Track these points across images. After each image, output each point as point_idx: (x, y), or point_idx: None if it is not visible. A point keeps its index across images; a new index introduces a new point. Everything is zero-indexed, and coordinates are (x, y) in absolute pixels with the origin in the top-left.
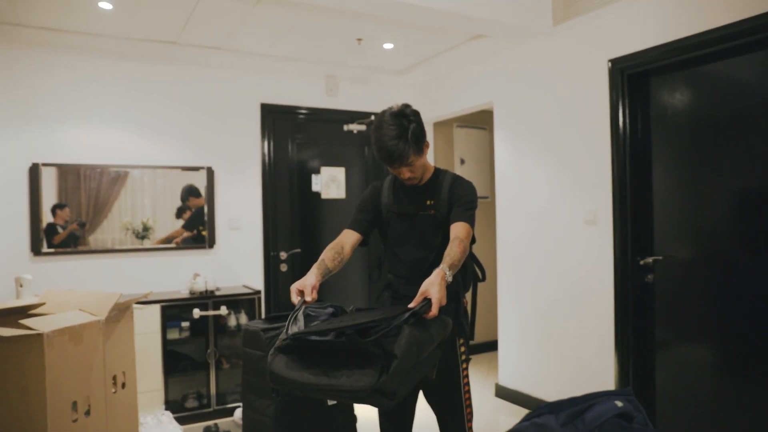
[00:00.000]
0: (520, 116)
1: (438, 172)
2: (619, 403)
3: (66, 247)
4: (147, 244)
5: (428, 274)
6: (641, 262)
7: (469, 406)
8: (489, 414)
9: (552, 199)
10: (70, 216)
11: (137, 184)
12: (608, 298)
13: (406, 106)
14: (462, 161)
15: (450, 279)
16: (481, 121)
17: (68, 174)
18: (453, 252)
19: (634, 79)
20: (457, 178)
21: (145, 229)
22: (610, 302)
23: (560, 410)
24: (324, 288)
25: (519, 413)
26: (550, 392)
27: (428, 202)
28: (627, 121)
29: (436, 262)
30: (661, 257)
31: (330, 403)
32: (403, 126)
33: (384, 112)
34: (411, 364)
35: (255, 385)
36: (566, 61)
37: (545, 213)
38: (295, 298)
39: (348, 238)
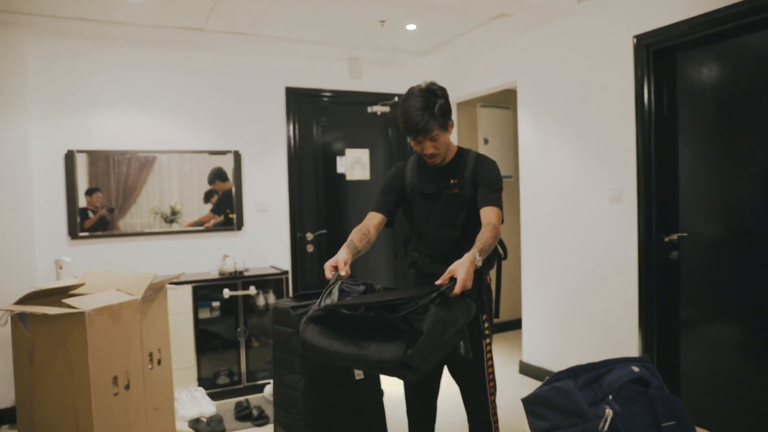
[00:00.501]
0: (544, 95)
1: (461, 151)
2: (636, 369)
3: (96, 231)
4: (175, 227)
5: (452, 252)
6: (666, 239)
7: (492, 380)
8: (512, 390)
9: (576, 178)
10: (101, 201)
11: (165, 168)
12: (632, 275)
13: (434, 83)
14: (486, 141)
15: (479, 264)
16: (505, 100)
17: (98, 160)
18: (485, 237)
19: (659, 55)
20: (481, 157)
21: (174, 213)
22: (634, 280)
23: (578, 375)
24: (352, 266)
25: None
26: None
27: (452, 181)
28: (652, 97)
29: (460, 241)
30: (686, 234)
31: (357, 377)
32: (430, 100)
33: (412, 87)
34: (436, 342)
35: (285, 361)
36: (590, 38)
37: (569, 191)
38: (329, 273)
39: (373, 220)
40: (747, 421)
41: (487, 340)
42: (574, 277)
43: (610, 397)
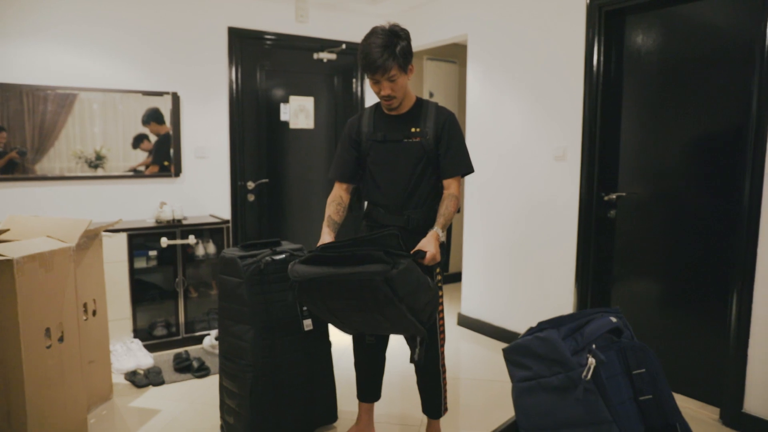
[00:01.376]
0: (494, 50)
1: (420, 101)
2: (613, 319)
3: (5, 174)
4: (100, 173)
5: (407, 202)
6: (605, 198)
7: (443, 332)
8: (451, 341)
9: (523, 135)
10: (7, 140)
11: (87, 108)
12: (572, 232)
13: (397, 25)
14: (431, 95)
15: (443, 238)
16: (452, 54)
17: (10, 96)
18: (448, 211)
19: (610, 16)
20: (442, 109)
21: (99, 157)
22: (573, 237)
23: (561, 325)
24: (306, 226)
25: (480, 340)
26: (511, 321)
27: (413, 129)
28: (601, 59)
29: (416, 190)
30: (624, 194)
31: (306, 328)
32: (392, 40)
33: (375, 27)
34: (413, 283)
35: (232, 311)
36: None
37: (516, 148)
38: None
39: (341, 190)
40: (671, 368)
41: (440, 293)
42: (516, 233)
43: (594, 346)
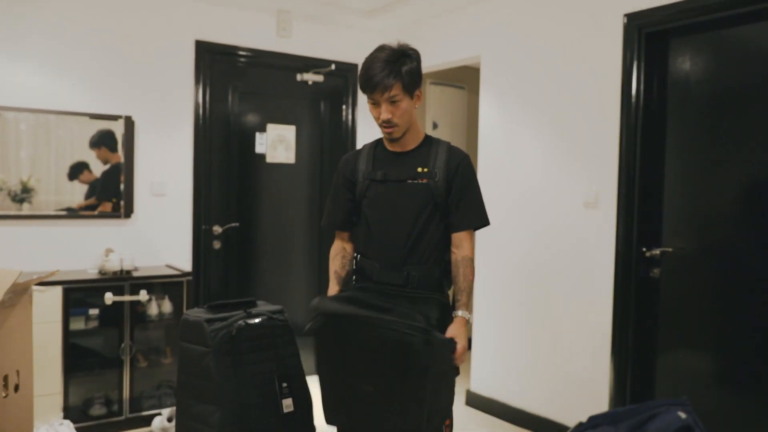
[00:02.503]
0: (512, 75)
1: (429, 139)
2: (683, 415)
3: None
4: (26, 209)
5: (408, 257)
6: (647, 254)
7: (449, 416)
8: (458, 426)
9: (546, 176)
10: None
11: (14, 128)
12: (607, 295)
13: (408, 45)
14: (435, 125)
15: (471, 322)
16: (460, 78)
17: None
18: (467, 283)
19: (652, 38)
20: (454, 149)
21: (25, 190)
22: (608, 300)
23: (618, 421)
24: (283, 283)
25: (494, 425)
26: (531, 401)
27: (420, 169)
28: (641, 88)
29: (418, 242)
30: (670, 249)
31: (286, 409)
32: (399, 58)
33: (383, 44)
34: (445, 365)
35: (195, 388)
36: (573, 11)
37: (537, 191)
38: None
39: (342, 240)
40: None
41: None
42: (537, 294)
43: None
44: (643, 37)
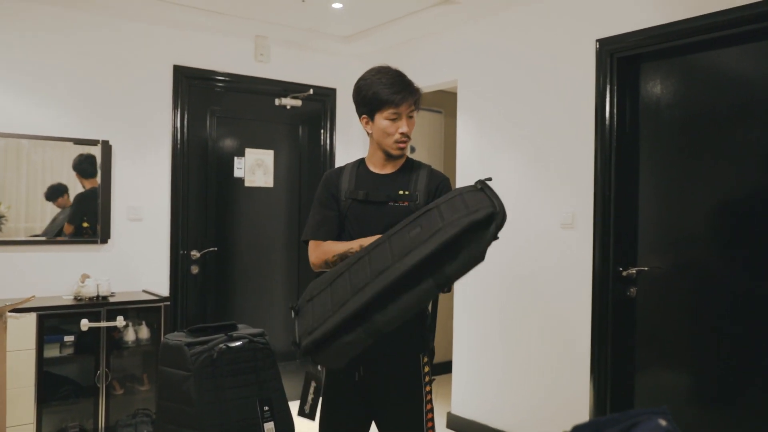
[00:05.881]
0: (489, 99)
1: (411, 162)
2: (663, 422)
3: None
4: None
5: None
6: (623, 273)
7: (432, 428)
8: None
9: (523, 197)
10: None
11: None
12: (585, 313)
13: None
14: (412, 149)
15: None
16: (437, 103)
17: None
18: None
19: (623, 63)
20: (436, 173)
21: None
22: (586, 318)
23: (601, 429)
24: (263, 306)
25: None
26: (512, 421)
27: (401, 192)
28: (614, 111)
29: None
30: (646, 268)
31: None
32: (407, 78)
33: (379, 66)
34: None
35: (176, 413)
36: (547, 37)
37: (515, 213)
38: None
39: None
40: None
41: (428, 388)
42: (516, 314)
43: None
44: (615, 62)
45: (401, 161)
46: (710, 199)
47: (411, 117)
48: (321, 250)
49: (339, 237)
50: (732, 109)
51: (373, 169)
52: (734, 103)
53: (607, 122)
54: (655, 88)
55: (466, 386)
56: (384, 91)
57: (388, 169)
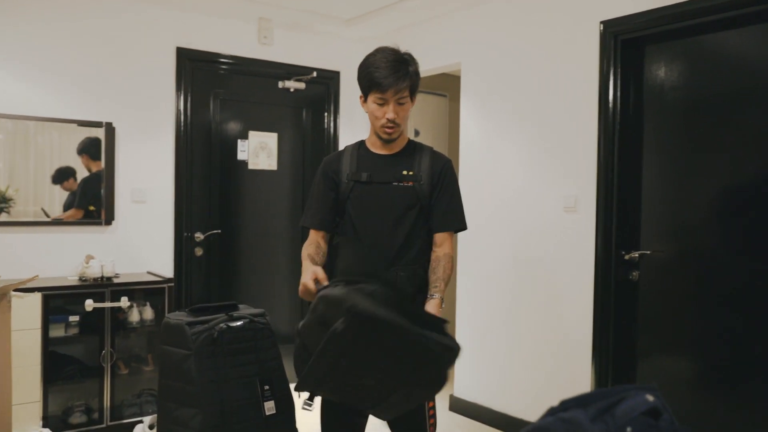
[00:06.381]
0: (492, 82)
1: (413, 143)
2: (650, 398)
3: None
4: (4, 218)
5: (396, 260)
6: (626, 257)
7: (433, 416)
8: (442, 431)
9: (526, 181)
10: None
11: None
12: (587, 296)
13: (407, 51)
14: (417, 132)
15: (443, 306)
16: (441, 86)
17: None
18: (446, 275)
19: (627, 46)
20: (437, 154)
21: (4, 200)
22: (588, 302)
23: (588, 404)
24: (266, 288)
25: (478, 429)
26: (513, 405)
27: (405, 172)
28: (618, 94)
29: (406, 246)
30: (648, 252)
31: (268, 411)
32: (405, 59)
33: (380, 47)
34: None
35: (176, 391)
36: (551, 19)
37: (518, 196)
38: (312, 285)
39: (318, 237)
40: None
41: None
42: (518, 297)
43: (629, 429)
44: (619, 44)
45: (403, 142)
46: (714, 183)
47: (401, 103)
48: (304, 252)
49: (336, 221)
50: (737, 93)
51: (374, 149)
52: (739, 86)
53: (611, 105)
54: (659, 71)
55: (468, 370)
56: (374, 74)
57: (390, 150)
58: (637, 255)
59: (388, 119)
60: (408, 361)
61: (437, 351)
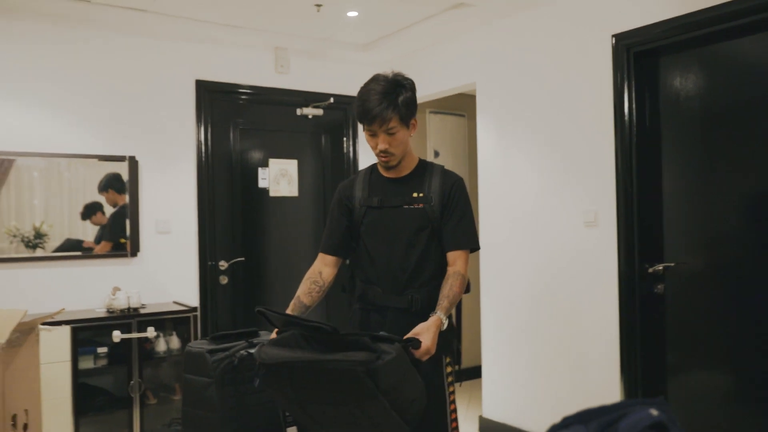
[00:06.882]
0: (508, 100)
1: (424, 163)
2: (654, 412)
3: None
4: (39, 253)
5: (410, 282)
6: (650, 270)
7: (455, 420)
8: None
9: (545, 198)
10: None
11: (26, 177)
12: (612, 313)
13: (401, 74)
14: (436, 153)
15: (445, 325)
16: (459, 106)
17: None
18: (452, 293)
19: (641, 58)
20: (448, 173)
21: (39, 235)
22: (614, 318)
23: (590, 420)
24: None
25: None
26: (542, 424)
27: (415, 195)
28: (633, 106)
29: (419, 268)
30: (672, 264)
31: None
32: (395, 89)
33: (377, 74)
34: (399, 376)
35: (199, 419)
36: (562, 35)
37: (537, 213)
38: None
39: (323, 263)
40: None
41: (451, 389)
42: (542, 315)
43: None
44: (632, 57)
45: (412, 164)
46: (738, 192)
47: (392, 133)
48: (303, 279)
49: (344, 245)
50: (756, 100)
51: (384, 174)
52: (758, 93)
53: (627, 118)
54: (674, 81)
55: (496, 389)
56: (360, 108)
57: (399, 173)
58: (661, 267)
59: (380, 150)
60: (334, 386)
61: (352, 368)
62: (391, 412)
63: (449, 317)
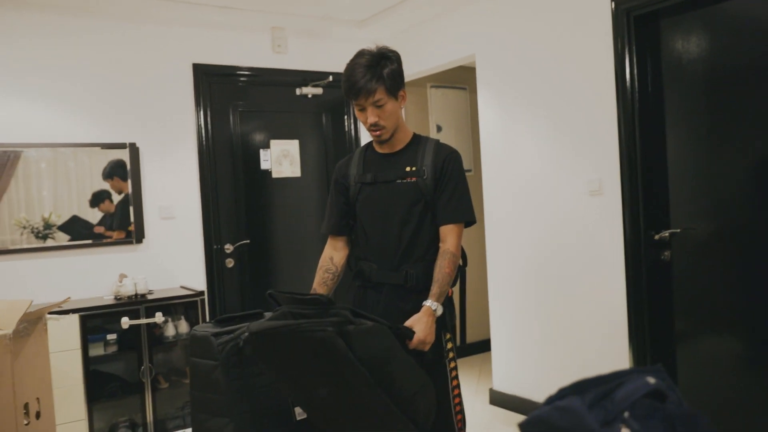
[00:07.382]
0: (508, 71)
1: (417, 138)
2: (651, 380)
3: None
4: (50, 243)
5: (404, 258)
6: (656, 237)
7: (460, 412)
8: (483, 426)
9: (549, 168)
10: None
11: (34, 168)
12: (619, 281)
13: (387, 47)
14: (439, 128)
15: (439, 313)
16: (461, 79)
17: None
18: (442, 275)
19: (641, 21)
20: (442, 146)
21: (48, 226)
22: (621, 286)
23: (586, 390)
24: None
25: (517, 421)
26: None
27: (408, 169)
28: (635, 72)
29: (414, 243)
30: (678, 230)
31: (299, 416)
32: (380, 62)
33: (362, 48)
34: (380, 351)
35: (207, 402)
36: (561, 2)
37: (541, 184)
38: None
39: (333, 248)
40: None
41: (452, 364)
42: (549, 286)
43: (626, 414)
44: (633, 21)
45: (406, 138)
46: (745, 155)
47: (380, 106)
48: (317, 268)
49: (345, 224)
50: (761, 60)
51: (379, 150)
52: (763, 53)
53: (628, 84)
54: (676, 44)
55: (505, 362)
56: (346, 82)
57: (393, 148)
58: (667, 234)
59: (369, 123)
60: (315, 358)
61: (327, 330)
62: (392, 407)
63: (449, 295)
